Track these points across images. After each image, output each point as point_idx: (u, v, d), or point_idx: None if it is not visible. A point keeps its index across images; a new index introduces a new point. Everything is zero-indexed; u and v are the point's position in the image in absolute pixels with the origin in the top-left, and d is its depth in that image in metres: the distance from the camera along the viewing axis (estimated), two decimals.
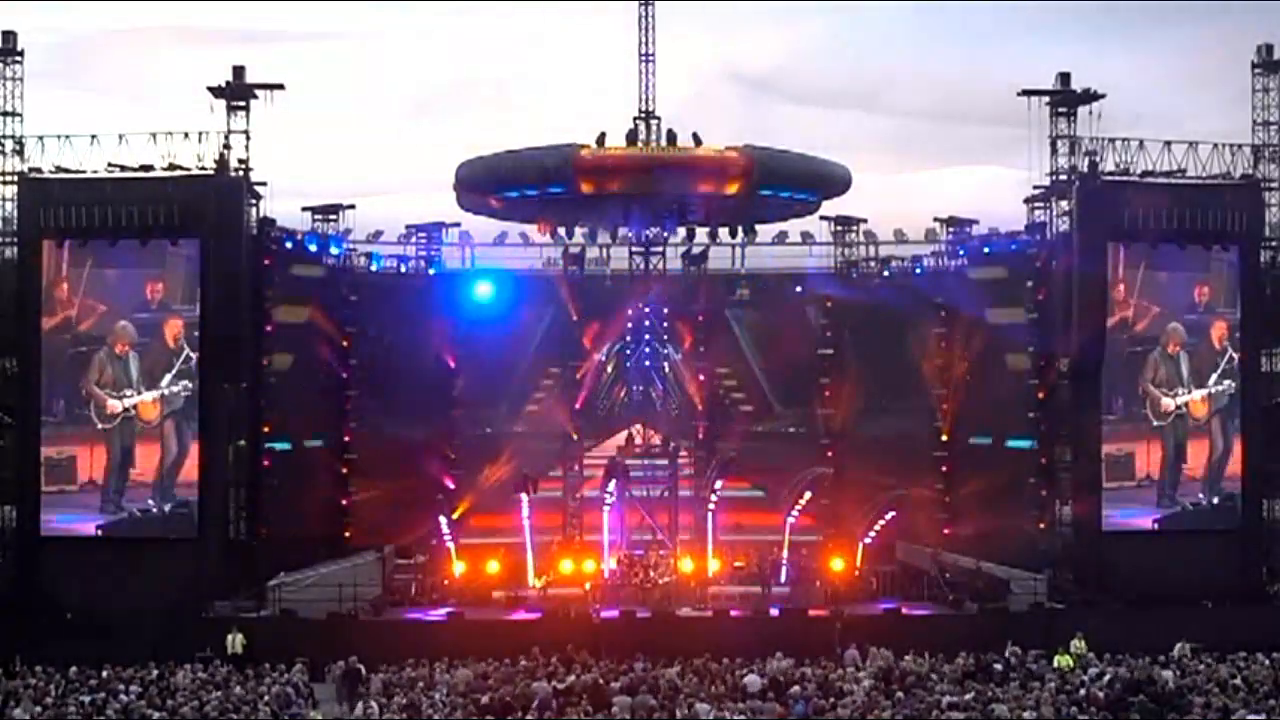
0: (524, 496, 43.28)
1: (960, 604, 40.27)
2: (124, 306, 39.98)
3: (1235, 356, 42.03)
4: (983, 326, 45.11)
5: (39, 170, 40.57)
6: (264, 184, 41.64)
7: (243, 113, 40.92)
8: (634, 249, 47.28)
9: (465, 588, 42.54)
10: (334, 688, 31.40)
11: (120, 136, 39.73)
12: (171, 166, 39.78)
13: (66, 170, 40.21)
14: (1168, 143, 41.49)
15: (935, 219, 48.05)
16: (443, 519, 44.14)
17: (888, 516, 44.47)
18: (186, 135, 39.56)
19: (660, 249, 47.39)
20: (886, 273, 48.97)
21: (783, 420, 50.46)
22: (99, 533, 39.75)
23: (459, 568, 43.56)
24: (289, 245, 43.41)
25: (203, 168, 39.86)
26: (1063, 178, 42.26)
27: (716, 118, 63.86)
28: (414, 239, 48.52)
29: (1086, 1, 64.95)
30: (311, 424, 44.32)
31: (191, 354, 39.82)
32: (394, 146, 70.43)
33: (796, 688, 28.68)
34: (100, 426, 39.81)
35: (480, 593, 41.97)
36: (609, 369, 49.18)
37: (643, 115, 44.38)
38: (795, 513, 44.35)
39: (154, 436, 39.91)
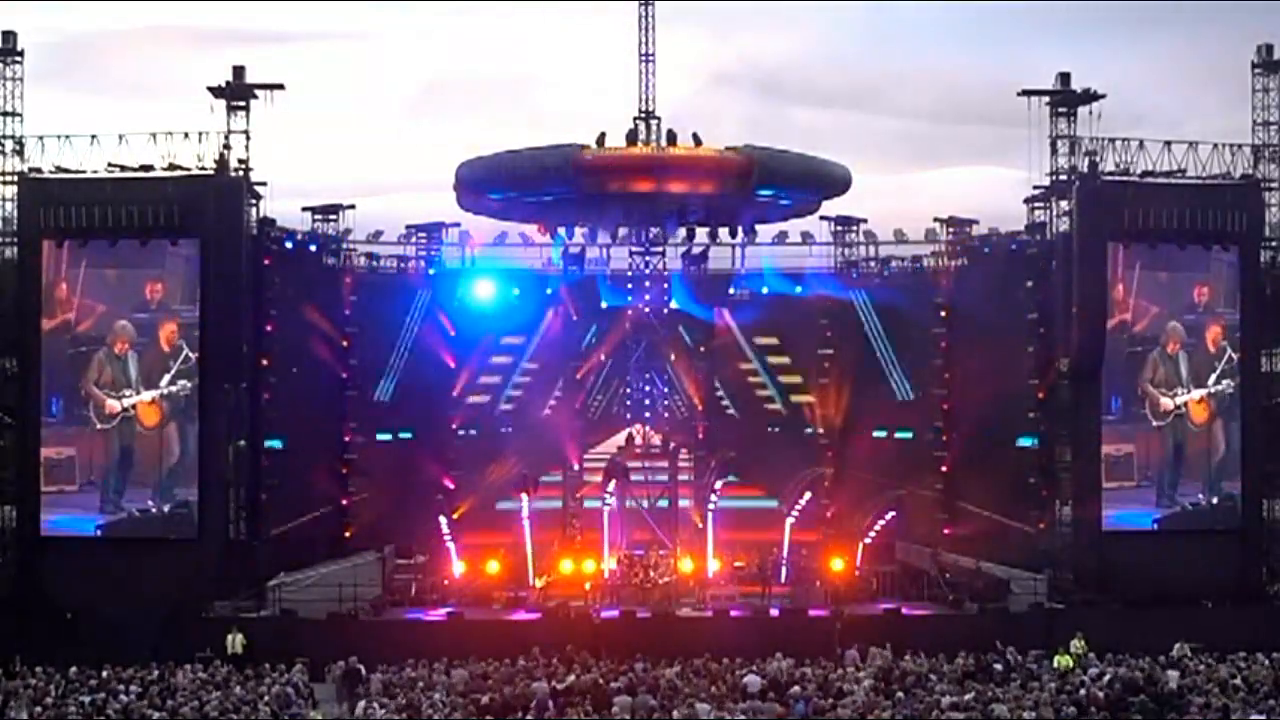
0: (524, 496, 43.34)
1: (960, 604, 40.29)
2: (123, 306, 39.93)
3: (1235, 356, 41.99)
4: (983, 326, 45.12)
5: (39, 170, 40.49)
6: (264, 184, 41.59)
7: (243, 113, 40.81)
8: (634, 249, 47.37)
9: (465, 588, 42.58)
10: (334, 688, 31.45)
11: (120, 136, 39.68)
12: (171, 166, 39.73)
13: (66, 170, 40.14)
14: (1168, 143, 41.49)
15: (935, 219, 48.11)
16: (443, 519, 44.19)
17: (887, 516, 44.48)
18: (186, 135, 39.51)
19: (660, 249, 47.51)
20: (886, 273, 49.01)
21: (783, 420, 50.57)
22: (99, 533, 39.70)
23: (459, 568, 43.63)
24: (289, 245, 43.39)
25: (203, 168, 39.79)
26: (1063, 178, 42.17)
27: (716, 118, 63.63)
28: (414, 239, 48.54)
29: (1086, 1, 64.94)
30: (311, 424, 44.29)
31: (191, 354, 39.77)
32: (394, 146, 70.28)
33: (796, 688, 28.71)
34: (100, 426, 39.76)
35: (480, 593, 41.98)
36: (609, 369, 49.25)
37: (643, 115, 44.48)
38: (795, 513, 44.35)
39: (154, 437, 39.90)
